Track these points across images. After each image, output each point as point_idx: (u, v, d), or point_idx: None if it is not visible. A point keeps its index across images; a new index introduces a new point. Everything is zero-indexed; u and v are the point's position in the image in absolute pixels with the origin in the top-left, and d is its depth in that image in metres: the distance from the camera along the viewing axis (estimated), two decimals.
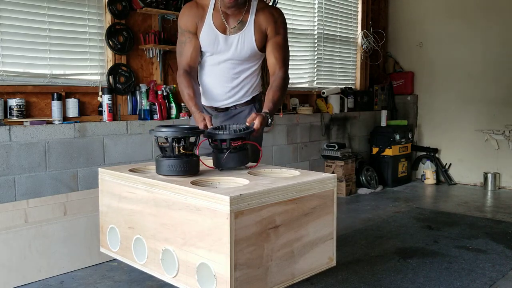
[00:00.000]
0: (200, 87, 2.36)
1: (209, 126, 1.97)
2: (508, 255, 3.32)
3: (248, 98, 2.38)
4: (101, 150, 3.43)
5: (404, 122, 6.20)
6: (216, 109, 2.38)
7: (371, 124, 6.17)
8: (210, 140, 1.85)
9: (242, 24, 2.22)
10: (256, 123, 1.94)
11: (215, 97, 2.36)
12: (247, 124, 1.93)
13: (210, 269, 1.41)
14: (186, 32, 2.25)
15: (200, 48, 2.28)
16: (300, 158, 5.18)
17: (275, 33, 2.28)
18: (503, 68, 5.61)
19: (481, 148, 5.81)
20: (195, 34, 2.24)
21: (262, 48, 2.29)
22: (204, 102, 2.38)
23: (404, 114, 6.46)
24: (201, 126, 1.99)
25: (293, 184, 1.55)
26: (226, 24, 2.22)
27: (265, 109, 2.13)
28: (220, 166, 1.82)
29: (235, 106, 2.38)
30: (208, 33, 2.22)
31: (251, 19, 2.23)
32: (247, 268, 1.40)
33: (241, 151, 1.82)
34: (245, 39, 2.23)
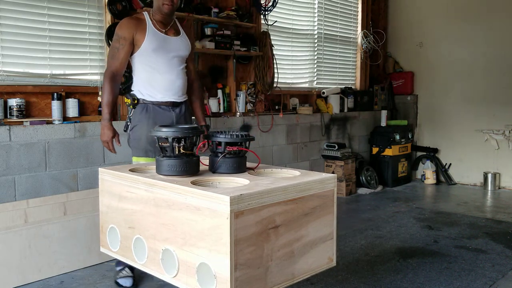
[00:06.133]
0: (151, 87, 2.64)
1: (115, 145, 2.64)
2: (508, 255, 3.32)
3: (186, 98, 2.79)
4: (101, 150, 3.42)
5: (404, 122, 6.20)
6: (173, 103, 2.67)
7: (371, 124, 6.17)
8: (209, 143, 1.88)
9: (177, 31, 2.71)
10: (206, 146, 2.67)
11: (175, 90, 2.66)
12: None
13: (210, 269, 1.41)
14: (122, 39, 2.56)
15: (130, 55, 2.61)
16: (300, 158, 5.18)
17: (193, 45, 2.80)
18: (503, 68, 5.61)
19: (481, 148, 5.81)
20: (130, 42, 2.56)
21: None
22: (160, 98, 2.64)
23: (404, 114, 6.46)
24: (105, 139, 2.59)
25: (293, 184, 1.55)
26: (165, 31, 2.64)
27: (203, 122, 2.88)
28: (213, 170, 1.81)
29: (185, 101, 2.75)
30: (155, 36, 2.59)
31: (181, 30, 2.74)
32: (247, 268, 1.40)
33: (236, 158, 1.80)
34: (183, 42, 2.70)
